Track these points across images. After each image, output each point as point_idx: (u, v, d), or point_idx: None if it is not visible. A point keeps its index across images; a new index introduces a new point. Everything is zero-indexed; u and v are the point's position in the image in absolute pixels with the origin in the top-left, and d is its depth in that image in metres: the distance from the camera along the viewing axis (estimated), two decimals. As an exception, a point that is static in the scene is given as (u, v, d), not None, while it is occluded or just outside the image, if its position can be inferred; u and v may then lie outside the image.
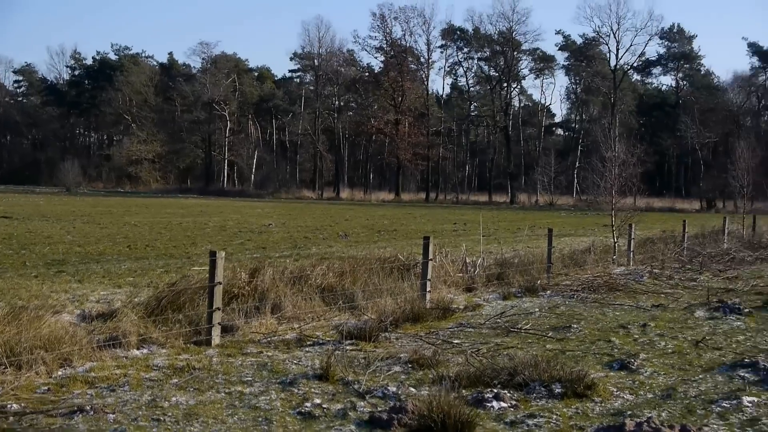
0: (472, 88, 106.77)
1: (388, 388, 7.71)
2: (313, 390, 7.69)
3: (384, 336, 10.31)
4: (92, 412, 6.72)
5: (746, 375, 8.52)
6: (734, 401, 7.45)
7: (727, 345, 10.27)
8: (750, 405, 7.37)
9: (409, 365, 8.69)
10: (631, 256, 20.03)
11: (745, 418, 7.05)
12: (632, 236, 20.43)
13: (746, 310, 12.96)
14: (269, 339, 10.05)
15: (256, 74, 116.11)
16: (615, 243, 20.43)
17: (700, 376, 8.59)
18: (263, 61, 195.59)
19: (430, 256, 13.23)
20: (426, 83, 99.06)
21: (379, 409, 7.06)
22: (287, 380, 8.01)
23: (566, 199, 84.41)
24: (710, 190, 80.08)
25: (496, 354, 9.38)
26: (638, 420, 6.67)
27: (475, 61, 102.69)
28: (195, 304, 10.70)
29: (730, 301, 13.61)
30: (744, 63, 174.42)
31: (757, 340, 10.68)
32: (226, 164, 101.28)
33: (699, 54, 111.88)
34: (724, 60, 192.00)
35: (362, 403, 7.30)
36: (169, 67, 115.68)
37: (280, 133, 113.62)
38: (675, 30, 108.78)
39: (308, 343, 9.94)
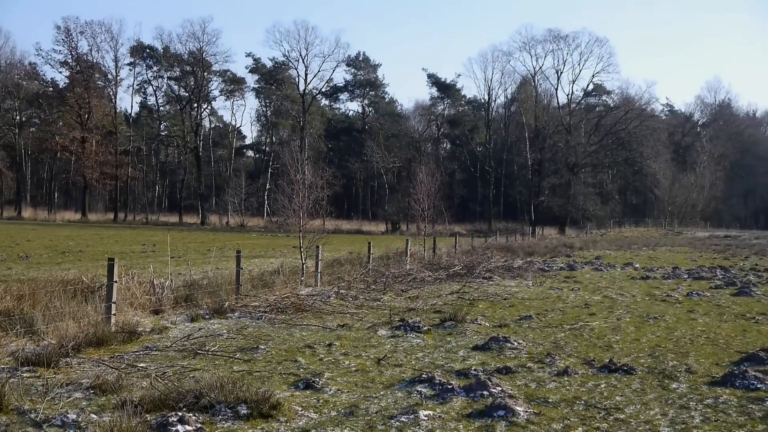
0: (162, 108, 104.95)
1: (68, 415, 7.36)
2: (-18, 423, 7.18)
3: (65, 361, 9.85)
4: None
5: (423, 390, 8.97)
6: (412, 416, 7.82)
7: (407, 362, 10.77)
8: (426, 419, 7.76)
9: (92, 391, 8.36)
10: (319, 277, 20.41)
11: (420, 431, 7.44)
12: (320, 258, 20.84)
13: (425, 328, 13.65)
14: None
15: None
16: (303, 264, 20.76)
17: (382, 392, 8.93)
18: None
19: (115, 278, 12.81)
20: (114, 101, 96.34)
21: (57, 439, 6.73)
22: (-48, 414, 7.42)
23: (257, 221, 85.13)
24: (395, 213, 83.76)
25: (183, 377, 9.25)
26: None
27: (165, 80, 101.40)
28: None
29: (411, 320, 14.26)
30: (424, 93, 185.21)
31: (435, 356, 11.29)
32: None
33: (383, 82, 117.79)
34: (407, 89, 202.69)
35: (38, 433, 6.92)
36: None
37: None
38: (361, 58, 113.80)
39: (-22, 372, 9.27)
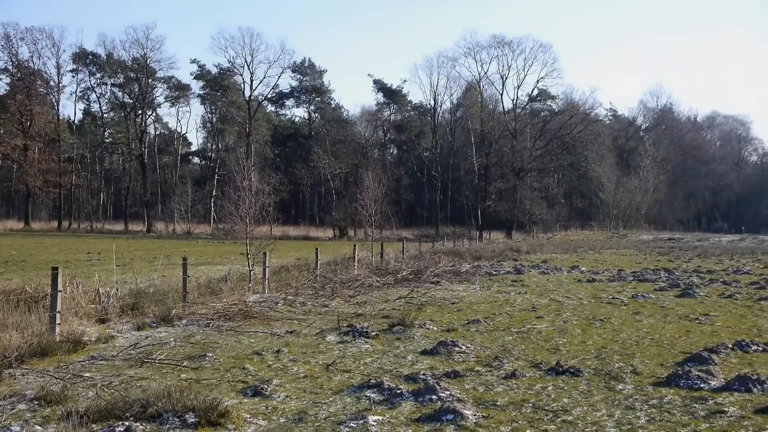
0: (106, 115, 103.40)
1: (12, 427, 7.26)
2: None
3: (9, 373, 9.72)
4: None
5: (372, 395, 8.99)
6: (360, 421, 7.83)
7: (355, 367, 10.77)
8: (375, 424, 7.78)
9: (36, 402, 8.24)
10: (267, 283, 20.30)
11: (369, 434, 7.45)
12: (267, 264, 20.73)
13: (374, 333, 13.68)
14: None
15: None
16: (251, 271, 20.66)
17: (331, 398, 8.93)
18: None
19: (60, 287, 12.62)
20: (57, 108, 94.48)
21: (0, 452, 6.62)
22: None
23: (204, 228, 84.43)
24: (342, 219, 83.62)
25: (129, 386, 9.16)
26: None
27: (109, 87, 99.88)
28: None
29: (360, 325, 14.28)
30: (371, 98, 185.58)
31: (383, 361, 11.31)
32: None
33: (329, 88, 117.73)
34: (353, 95, 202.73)
35: (-20, 447, 6.81)
36: None
37: None
38: (306, 64, 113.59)
39: None
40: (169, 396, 7.92)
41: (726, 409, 8.41)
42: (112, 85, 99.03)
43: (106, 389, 8.87)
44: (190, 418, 7.58)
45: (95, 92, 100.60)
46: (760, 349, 12.36)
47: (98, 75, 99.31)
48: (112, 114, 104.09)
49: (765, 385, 9.42)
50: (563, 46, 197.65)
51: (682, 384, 9.60)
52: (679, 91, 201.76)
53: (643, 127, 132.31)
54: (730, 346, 12.44)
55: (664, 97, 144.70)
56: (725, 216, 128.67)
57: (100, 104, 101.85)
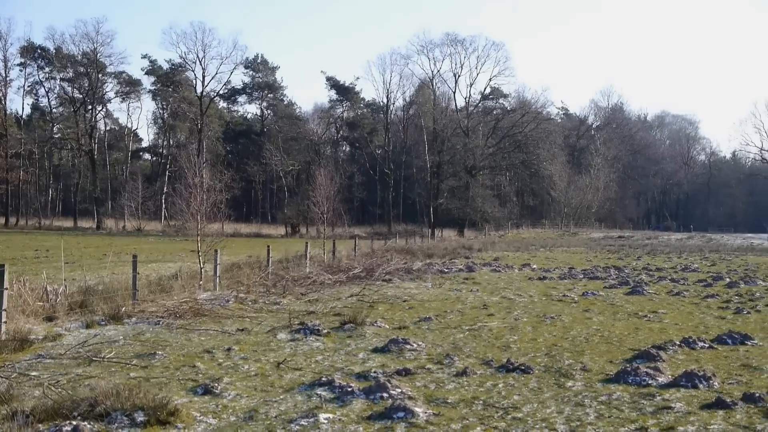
0: (54, 110, 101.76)
1: (-46, 429, 7.13)
2: None
3: (-49, 373, 9.52)
4: None
5: (323, 393, 8.97)
6: (311, 419, 7.82)
7: (306, 365, 10.75)
8: (326, 422, 7.77)
9: (-20, 402, 8.10)
10: (218, 281, 20.18)
11: (320, 432, 7.44)
12: (219, 262, 20.60)
13: (325, 331, 13.65)
14: None
15: None
16: (202, 268, 20.52)
17: (281, 396, 8.90)
18: None
19: (6, 285, 12.43)
20: (4, 102, 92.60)
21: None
22: None
23: (155, 225, 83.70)
24: (294, 216, 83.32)
25: (77, 385, 9.04)
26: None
27: (58, 82, 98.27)
28: None
29: (311, 323, 14.23)
30: (323, 95, 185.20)
31: (334, 359, 11.30)
32: None
33: (282, 85, 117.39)
34: (306, 92, 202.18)
35: None
36: None
37: None
38: (259, 60, 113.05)
39: None
40: (117, 395, 7.83)
41: (673, 405, 8.53)
42: (62, 79, 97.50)
43: (53, 388, 8.75)
44: (139, 417, 7.50)
45: (44, 87, 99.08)
46: (707, 346, 12.54)
47: (47, 69, 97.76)
48: (61, 109, 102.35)
49: (711, 381, 9.57)
50: (515, 45, 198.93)
51: (630, 380, 9.71)
52: (630, 91, 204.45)
53: (594, 125, 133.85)
54: (678, 343, 12.61)
55: (615, 97, 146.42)
56: (674, 214, 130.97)
57: (48, 99, 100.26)
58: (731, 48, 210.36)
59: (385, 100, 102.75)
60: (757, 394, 8.82)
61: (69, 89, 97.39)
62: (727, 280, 26.37)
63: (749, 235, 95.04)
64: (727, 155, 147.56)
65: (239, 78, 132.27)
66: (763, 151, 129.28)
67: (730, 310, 17.93)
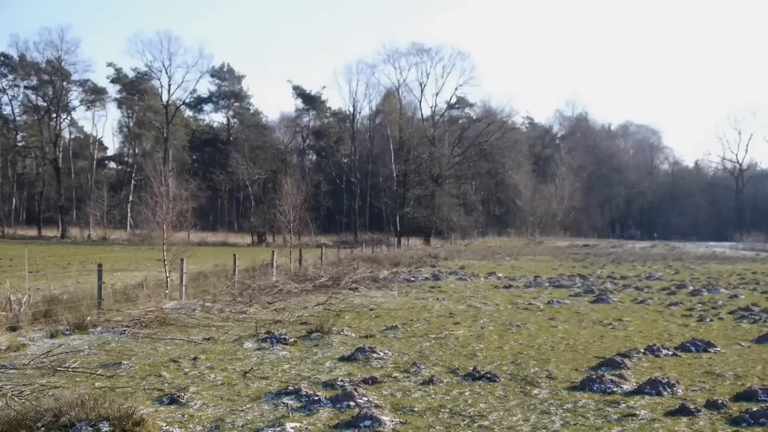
0: (18, 118, 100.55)
1: None
2: None
3: None
4: None
5: (290, 402, 8.98)
6: (278, 428, 7.82)
7: (273, 374, 10.74)
8: (292, 430, 7.78)
9: (-58, 414, 8.00)
10: (184, 290, 20.09)
11: (287, 441, 7.44)
12: (184, 270, 20.52)
13: (292, 339, 13.64)
14: None
15: None
16: (168, 277, 20.43)
17: (248, 405, 8.89)
18: None
19: (-31, 295, 12.32)
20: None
21: None
22: None
23: (120, 234, 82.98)
24: (261, 225, 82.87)
25: (41, 395, 8.98)
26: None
27: (22, 90, 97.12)
28: None
29: (277, 332, 14.20)
30: (290, 104, 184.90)
31: (301, 367, 11.30)
32: None
33: (248, 93, 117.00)
34: (272, 100, 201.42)
35: None
36: None
37: None
38: (225, 69, 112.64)
39: None
40: (82, 405, 7.76)
41: (638, 412, 8.62)
42: (25, 87, 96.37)
43: (16, 399, 8.67)
44: (105, 428, 7.45)
45: (7, 94, 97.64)
46: (671, 353, 12.69)
47: (10, 77, 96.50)
48: (25, 117, 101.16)
49: (674, 389, 9.69)
50: (481, 55, 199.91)
51: (595, 388, 9.81)
52: (594, 101, 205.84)
53: (559, 135, 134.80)
54: (642, 350, 12.75)
55: (580, 106, 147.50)
56: (638, 223, 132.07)
57: (12, 107, 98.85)
58: (694, 59, 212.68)
59: (351, 109, 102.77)
60: (719, 401, 8.95)
61: (33, 97, 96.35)
62: (691, 288, 26.66)
63: (711, 243, 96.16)
64: (690, 164, 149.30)
65: (205, 87, 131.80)
66: (724, 161, 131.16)
67: (694, 318, 18.16)
